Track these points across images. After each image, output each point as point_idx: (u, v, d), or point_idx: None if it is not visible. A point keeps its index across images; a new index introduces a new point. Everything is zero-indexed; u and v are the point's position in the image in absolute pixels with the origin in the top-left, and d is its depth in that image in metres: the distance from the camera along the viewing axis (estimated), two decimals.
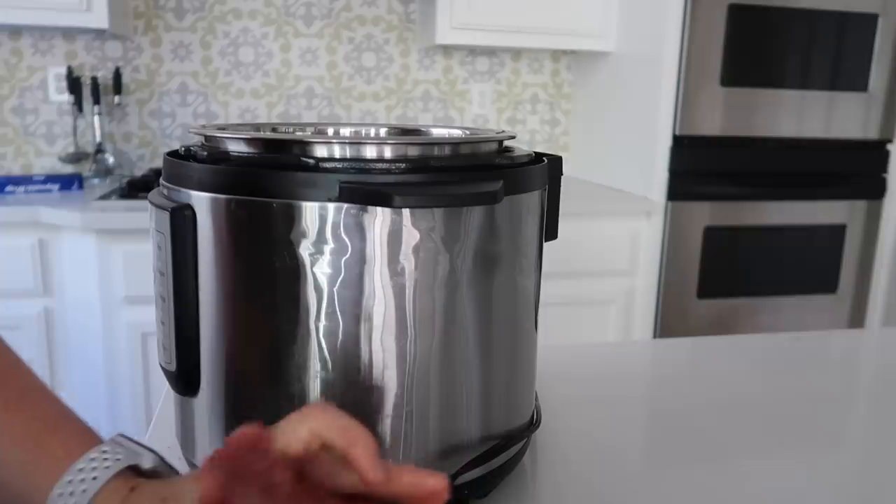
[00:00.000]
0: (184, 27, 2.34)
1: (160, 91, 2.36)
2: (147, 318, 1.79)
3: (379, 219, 0.49)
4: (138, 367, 1.84)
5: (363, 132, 0.78)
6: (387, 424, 0.52)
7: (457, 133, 0.73)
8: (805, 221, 2.23)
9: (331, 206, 0.48)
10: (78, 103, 2.24)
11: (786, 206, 2.20)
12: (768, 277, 2.23)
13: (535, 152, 0.61)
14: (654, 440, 0.73)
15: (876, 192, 2.28)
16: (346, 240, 0.49)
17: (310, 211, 0.48)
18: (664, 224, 2.14)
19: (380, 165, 0.49)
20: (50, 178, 2.01)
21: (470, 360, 0.54)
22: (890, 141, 2.25)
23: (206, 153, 0.53)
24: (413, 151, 0.52)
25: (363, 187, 0.47)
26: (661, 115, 2.09)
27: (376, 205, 0.48)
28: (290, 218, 0.49)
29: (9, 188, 1.95)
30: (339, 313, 0.50)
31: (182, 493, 0.39)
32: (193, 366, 0.54)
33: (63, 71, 2.25)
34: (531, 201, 0.57)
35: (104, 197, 1.96)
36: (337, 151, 0.50)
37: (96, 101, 2.24)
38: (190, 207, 0.51)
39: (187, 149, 0.56)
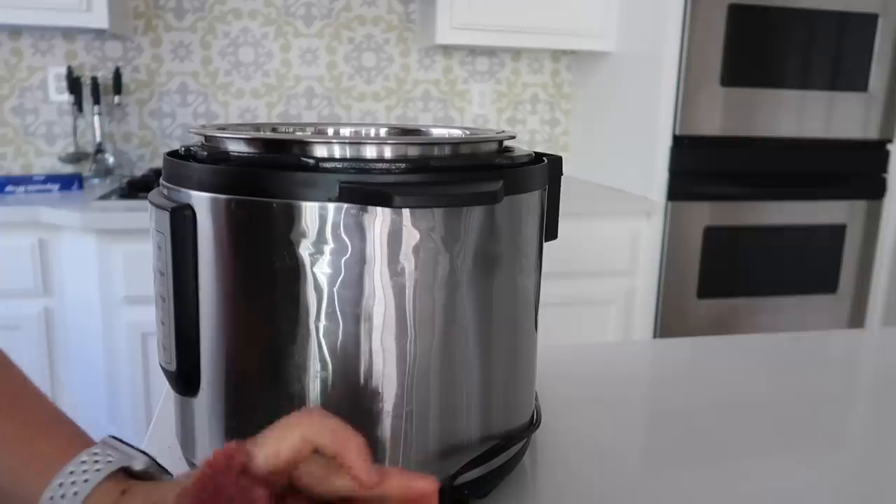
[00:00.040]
0: (184, 27, 2.34)
1: (160, 91, 2.36)
2: (147, 318, 1.79)
3: (379, 219, 0.49)
4: (138, 367, 1.84)
5: (363, 132, 0.78)
6: (387, 424, 0.52)
7: (457, 133, 0.73)
8: (805, 221, 2.23)
9: (331, 206, 0.48)
10: (78, 103, 2.24)
11: (786, 206, 2.20)
12: (768, 277, 2.23)
13: (535, 152, 0.61)
14: (654, 440, 0.73)
15: (876, 192, 2.28)
16: (346, 240, 0.49)
17: (310, 211, 0.48)
18: (664, 224, 2.14)
19: (380, 165, 0.49)
20: (50, 178, 2.01)
21: (470, 360, 0.54)
22: (890, 141, 2.25)
23: (206, 153, 0.53)
24: (413, 151, 0.52)
25: (363, 187, 0.47)
26: (660, 115, 2.09)
27: (376, 205, 0.48)
28: (290, 218, 0.49)
29: (9, 188, 1.95)
30: (339, 313, 0.50)
31: (173, 495, 0.39)
32: (193, 366, 0.54)
33: (63, 71, 2.25)
34: (531, 201, 0.57)
35: (104, 197, 1.96)
36: (337, 151, 0.50)
37: (96, 101, 2.24)
38: (190, 207, 0.51)
39: (187, 149, 0.56)
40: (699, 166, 2.13)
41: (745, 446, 0.70)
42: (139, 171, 2.35)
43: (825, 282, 2.28)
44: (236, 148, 0.53)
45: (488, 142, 0.58)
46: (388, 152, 0.51)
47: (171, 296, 0.53)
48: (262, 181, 0.49)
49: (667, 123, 2.09)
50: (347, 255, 0.49)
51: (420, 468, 0.53)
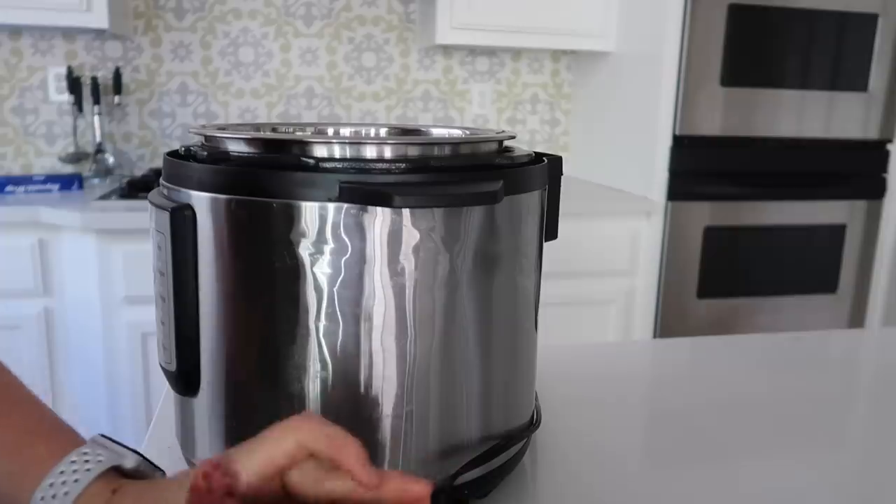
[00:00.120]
0: (184, 27, 2.34)
1: (160, 91, 2.36)
2: (147, 318, 1.79)
3: (379, 219, 0.49)
4: (138, 367, 1.84)
5: (363, 132, 0.78)
6: (387, 424, 0.52)
7: (457, 133, 0.73)
8: (805, 221, 2.23)
9: (331, 206, 0.48)
10: (78, 103, 2.24)
11: (786, 206, 2.20)
12: (768, 277, 2.23)
13: (535, 152, 0.61)
14: (654, 440, 0.73)
15: (876, 192, 2.28)
16: (346, 240, 0.49)
17: (310, 211, 0.48)
18: (664, 224, 2.14)
19: (380, 165, 0.49)
20: (50, 178, 2.01)
21: (470, 361, 0.54)
22: (890, 141, 2.26)
23: (206, 153, 0.53)
24: (413, 151, 0.52)
25: (363, 187, 0.47)
26: (660, 115, 2.09)
27: (376, 205, 0.48)
28: (290, 218, 0.49)
29: (9, 188, 1.95)
30: (338, 313, 0.50)
31: (165, 495, 0.39)
32: (193, 366, 0.54)
33: (63, 71, 2.25)
34: (531, 201, 0.57)
35: (104, 197, 1.96)
36: (337, 151, 0.50)
37: (96, 101, 2.24)
38: (190, 207, 0.51)
39: (187, 149, 0.56)
40: (699, 166, 2.13)
41: (745, 446, 0.70)
42: (139, 171, 2.35)
43: (825, 282, 2.28)
44: (236, 148, 0.53)
45: (488, 142, 0.58)
46: (388, 152, 0.51)
47: (171, 296, 0.53)
48: (262, 181, 0.49)
49: (667, 123, 2.09)
50: (347, 255, 0.49)
51: (420, 468, 0.53)
